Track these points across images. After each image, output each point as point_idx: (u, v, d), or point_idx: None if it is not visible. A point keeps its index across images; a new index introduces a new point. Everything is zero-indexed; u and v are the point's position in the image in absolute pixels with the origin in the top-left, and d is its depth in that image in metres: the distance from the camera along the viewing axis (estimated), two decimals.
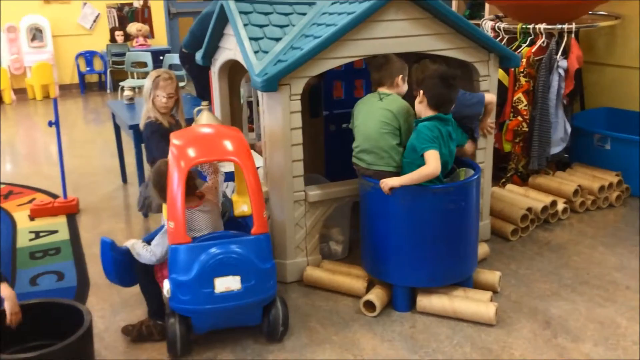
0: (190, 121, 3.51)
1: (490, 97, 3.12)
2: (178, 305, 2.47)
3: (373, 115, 2.85)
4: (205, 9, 4.75)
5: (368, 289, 2.90)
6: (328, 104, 3.97)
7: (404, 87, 2.94)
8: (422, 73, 2.79)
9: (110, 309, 2.95)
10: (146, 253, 2.60)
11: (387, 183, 2.67)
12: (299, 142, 2.96)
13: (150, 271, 2.66)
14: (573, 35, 4.04)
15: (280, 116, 2.91)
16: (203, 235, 2.53)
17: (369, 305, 2.79)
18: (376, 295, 2.79)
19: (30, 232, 3.90)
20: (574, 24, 3.97)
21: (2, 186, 4.83)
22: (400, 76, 2.90)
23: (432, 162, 2.61)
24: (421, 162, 2.64)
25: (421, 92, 2.72)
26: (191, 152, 2.53)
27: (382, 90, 2.92)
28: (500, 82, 3.71)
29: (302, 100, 2.95)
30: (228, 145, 2.58)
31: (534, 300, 2.89)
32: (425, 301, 2.77)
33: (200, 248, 2.44)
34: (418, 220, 2.69)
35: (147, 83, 3.20)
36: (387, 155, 2.81)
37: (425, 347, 2.55)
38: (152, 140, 3.17)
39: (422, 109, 2.74)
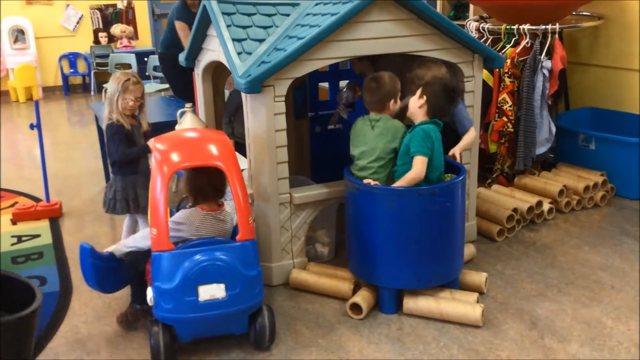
0: (163, 124, 3.50)
1: (474, 134, 3.15)
2: (161, 314, 2.42)
3: (369, 144, 2.84)
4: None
5: (354, 291, 2.88)
6: (313, 105, 3.96)
7: (396, 107, 2.93)
8: (426, 73, 2.92)
9: (93, 313, 2.91)
10: (142, 239, 2.59)
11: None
12: (283, 144, 2.94)
13: (140, 268, 2.63)
14: (557, 36, 4.06)
15: (264, 118, 2.88)
16: (187, 242, 2.49)
17: (356, 308, 2.77)
18: (362, 298, 2.77)
19: (12, 236, 3.85)
20: (557, 24, 3.99)
21: None
22: (392, 100, 2.88)
23: (419, 167, 2.68)
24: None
25: (424, 97, 2.76)
26: (175, 157, 2.50)
27: (373, 114, 2.90)
28: (485, 83, 3.72)
29: (287, 102, 2.93)
30: (213, 149, 2.55)
31: (520, 301, 2.89)
32: (411, 303, 2.76)
33: (184, 255, 2.39)
34: (404, 221, 2.68)
35: (112, 85, 3.14)
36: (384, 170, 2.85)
37: (412, 350, 2.54)
38: (113, 142, 3.14)
39: (419, 113, 2.79)
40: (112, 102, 3.14)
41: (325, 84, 4.13)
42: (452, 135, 3.08)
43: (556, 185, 3.88)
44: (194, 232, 2.54)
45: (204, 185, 2.59)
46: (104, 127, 3.25)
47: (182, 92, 4.86)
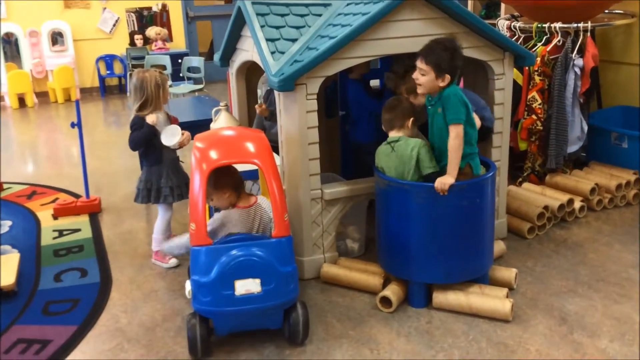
0: (198, 122, 3.61)
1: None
2: (199, 307, 2.49)
3: (394, 166, 2.83)
4: None
5: (384, 285, 2.93)
6: (344, 104, 4.01)
7: (413, 130, 2.94)
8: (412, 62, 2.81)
9: (132, 304, 3.02)
10: (177, 249, 2.78)
11: (445, 183, 2.63)
12: (315, 140, 3.01)
13: None
14: (589, 34, 4.04)
15: (296, 115, 2.96)
16: (225, 237, 2.57)
17: (385, 302, 2.82)
18: (392, 292, 2.82)
19: (54, 230, 3.99)
20: (589, 22, 3.97)
21: (26, 187, 4.94)
22: (411, 119, 2.89)
23: (453, 135, 2.65)
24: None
25: (428, 64, 2.67)
26: (213, 155, 2.57)
27: (392, 134, 2.90)
28: (514, 81, 3.72)
29: (318, 101, 2.99)
30: (250, 147, 2.62)
31: (550, 297, 2.90)
32: (441, 297, 2.80)
33: (221, 250, 2.46)
34: (434, 217, 2.72)
35: (149, 82, 3.22)
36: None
37: (442, 342, 2.58)
38: (132, 132, 3.26)
39: (432, 82, 2.69)
40: (151, 99, 3.24)
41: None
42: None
43: (588, 184, 3.87)
44: (233, 230, 2.63)
45: (232, 180, 2.67)
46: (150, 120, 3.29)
47: None
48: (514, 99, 3.72)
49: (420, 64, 2.72)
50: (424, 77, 2.71)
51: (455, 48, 2.72)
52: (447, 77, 2.68)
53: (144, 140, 3.25)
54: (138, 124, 3.25)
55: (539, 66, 3.96)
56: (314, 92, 2.94)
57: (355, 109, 3.65)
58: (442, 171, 2.73)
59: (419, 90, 2.79)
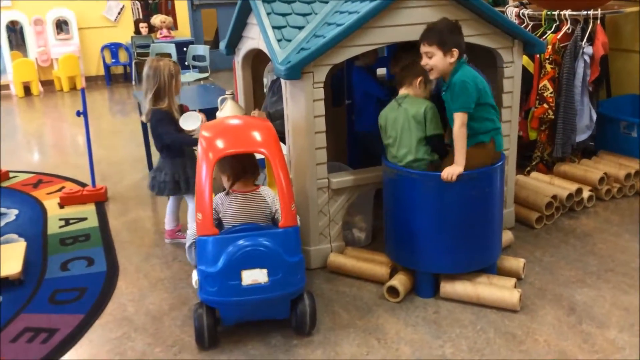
0: (204, 111, 3.58)
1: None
2: (206, 297, 2.48)
3: (399, 122, 2.83)
4: None
5: (391, 275, 2.92)
6: (350, 92, 3.98)
7: (422, 92, 2.91)
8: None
9: (139, 292, 3.01)
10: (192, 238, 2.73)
11: (453, 173, 2.62)
12: (322, 129, 2.98)
13: None
14: (599, 22, 3.99)
15: (303, 104, 2.93)
16: (232, 227, 2.55)
17: (393, 291, 2.81)
18: (399, 281, 2.81)
19: (60, 219, 3.99)
20: (599, 10, 3.92)
21: (32, 175, 4.94)
22: (420, 78, 2.87)
23: (458, 123, 2.64)
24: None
25: (433, 45, 2.65)
26: (220, 144, 2.55)
27: (401, 91, 2.91)
28: (525, 69, 3.68)
29: (325, 89, 2.97)
30: (257, 136, 2.60)
31: (558, 287, 2.88)
32: (448, 287, 2.79)
33: (228, 240, 2.45)
34: (442, 206, 2.70)
35: (162, 71, 3.20)
36: (415, 149, 2.81)
37: (449, 332, 2.56)
38: (162, 126, 3.22)
39: (440, 61, 2.66)
40: (164, 89, 3.21)
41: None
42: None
43: (596, 173, 3.84)
44: (224, 213, 2.61)
45: (242, 165, 2.64)
46: (145, 114, 3.33)
47: None
48: (525, 88, 3.69)
49: (424, 47, 2.69)
50: (432, 59, 2.67)
51: (451, 23, 2.71)
52: (455, 51, 2.65)
53: (186, 144, 3.24)
54: (165, 119, 3.21)
55: (550, 54, 3.91)
56: (320, 80, 2.92)
57: (360, 97, 3.62)
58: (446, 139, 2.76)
59: (432, 75, 2.75)
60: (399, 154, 2.83)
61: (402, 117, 2.82)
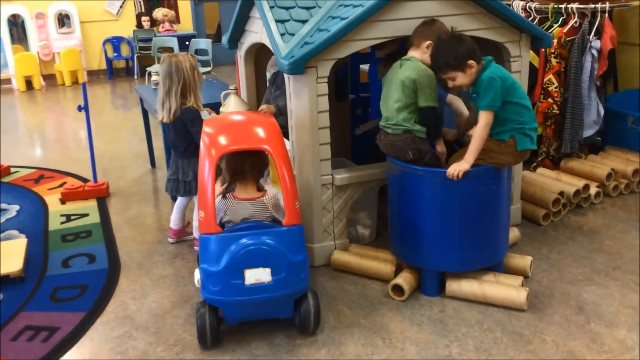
0: (207, 106, 3.54)
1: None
2: (208, 296, 2.45)
3: (391, 81, 2.81)
4: None
5: (396, 273, 2.88)
6: (354, 87, 3.94)
7: (429, 58, 2.81)
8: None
9: (141, 290, 2.98)
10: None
11: (459, 170, 2.57)
12: (325, 125, 2.94)
13: None
14: (607, 15, 3.93)
15: (307, 99, 2.89)
16: (235, 225, 2.51)
17: (398, 290, 2.77)
18: (404, 280, 2.77)
19: (62, 215, 3.96)
20: (607, 3, 3.86)
21: (33, 170, 4.91)
22: (429, 42, 2.79)
23: (482, 122, 2.60)
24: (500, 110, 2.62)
25: (448, 74, 2.66)
26: (223, 140, 2.51)
27: (410, 52, 2.85)
28: (530, 64, 3.63)
29: (329, 84, 2.92)
30: (260, 132, 2.55)
31: (566, 285, 2.84)
32: (454, 286, 2.75)
33: (231, 238, 2.40)
34: (448, 203, 2.66)
35: (183, 67, 3.08)
36: (395, 113, 2.78)
37: (455, 332, 2.53)
38: (198, 126, 3.00)
39: (464, 77, 2.65)
40: (189, 84, 3.09)
41: (366, 66, 4.09)
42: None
43: (604, 169, 3.79)
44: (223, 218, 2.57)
45: (241, 164, 2.58)
46: (172, 113, 3.13)
47: None
48: (530, 82, 3.63)
49: (443, 76, 2.70)
50: (455, 80, 2.68)
51: (449, 37, 2.68)
52: (471, 62, 2.61)
53: None
54: (197, 118, 3.09)
55: (555, 48, 3.86)
56: (324, 75, 2.87)
57: (375, 90, 3.53)
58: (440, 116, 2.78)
59: (465, 88, 2.74)
60: (384, 115, 2.83)
61: (395, 78, 2.78)
